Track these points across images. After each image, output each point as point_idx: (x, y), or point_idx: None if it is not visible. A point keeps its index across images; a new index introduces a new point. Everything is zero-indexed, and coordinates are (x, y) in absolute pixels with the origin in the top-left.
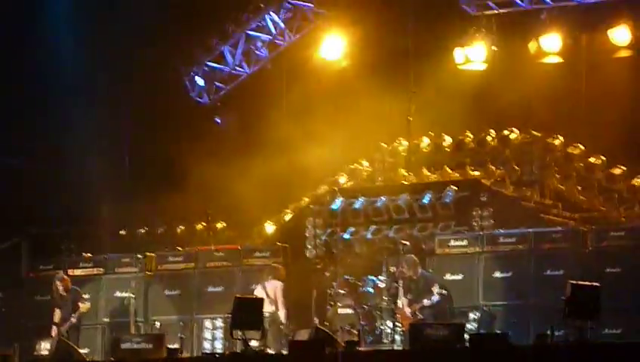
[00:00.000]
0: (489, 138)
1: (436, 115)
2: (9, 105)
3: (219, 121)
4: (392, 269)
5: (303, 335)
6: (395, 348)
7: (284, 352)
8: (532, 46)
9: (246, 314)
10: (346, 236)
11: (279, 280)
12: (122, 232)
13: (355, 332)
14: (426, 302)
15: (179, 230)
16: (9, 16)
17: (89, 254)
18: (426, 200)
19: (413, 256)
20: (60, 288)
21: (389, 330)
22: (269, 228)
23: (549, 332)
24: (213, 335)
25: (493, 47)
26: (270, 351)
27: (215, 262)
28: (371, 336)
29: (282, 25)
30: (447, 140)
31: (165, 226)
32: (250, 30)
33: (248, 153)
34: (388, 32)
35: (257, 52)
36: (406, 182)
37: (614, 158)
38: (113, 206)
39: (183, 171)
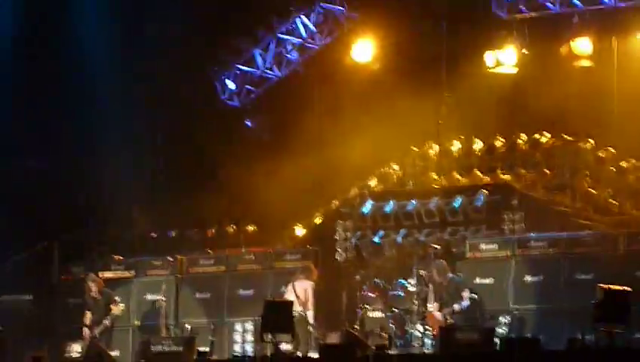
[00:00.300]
0: (520, 142)
1: (467, 118)
2: (43, 106)
3: (250, 124)
4: (423, 273)
5: (334, 338)
6: (426, 351)
7: (314, 354)
8: (563, 49)
9: (276, 317)
10: (377, 239)
11: (311, 281)
12: (153, 235)
13: (385, 335)
14: (456, 307)
15: (210, 233)
16: (41, 17)
17: (120, 257)
18: (456, 203)
19: (443, 261)
20: (93, 290)
21: (419, 334)
22: (300, 231)
23: (579, 336)
24: (243, 338)
25: (525, 51)
26: (300, 354)
27: (246, 265)
28: (401, 340)
29: (313, 28)
30: (478, 144)
31: (196, 229)
32: (281, 33)
33: (279, 156)
34: (419, 35)
35: (288, 55)
36: (437, 186)
37: None
38: (144, 209)
39: (214, 174)
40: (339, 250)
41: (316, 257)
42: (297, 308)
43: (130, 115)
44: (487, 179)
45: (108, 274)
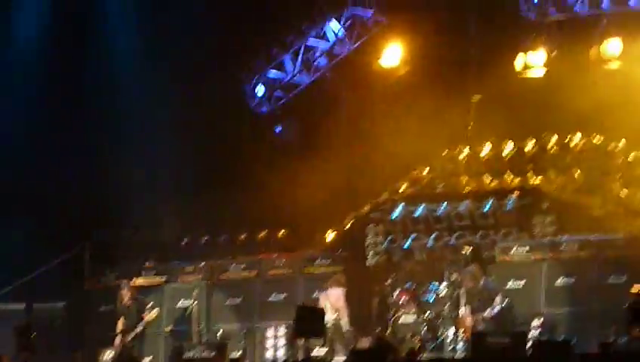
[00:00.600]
0: (550, 144)
1: (497, 121)
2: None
3: (279, 129)
4: (454, 277)
5: (364, 343)
6: (457, 356)
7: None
8: (592, 52)
9: (308, 322)
10: (407, 244)
11: (342, 287)
12: (184, 241)
13: (417, 340)
14: (488, 312)
15: (241, 238)
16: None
17: (152, 263)
18: (487, 207)
19: (474, 266)
20: (126, 297)
21: (450, 338)
22: (330, 235)
23: (612, 339)
24: (275, 343)
25: (554, 53)
26: (336, 359)
27: (277, 270)
28: (433, 345)
29: (342, 33)
30: (508, 147)
31: (227, 234)
32: (310, 39)
33: (308, 161)
34: (448, 39)
35: (317, 60)
36: (467, 189)
37: None
38: (175, 215)
39: (244, 180)
40: (369, 254)
41: (347, 262)
42: (332, 316)
43: (161, 120)
44: (517, 182)
45: (139, 281)
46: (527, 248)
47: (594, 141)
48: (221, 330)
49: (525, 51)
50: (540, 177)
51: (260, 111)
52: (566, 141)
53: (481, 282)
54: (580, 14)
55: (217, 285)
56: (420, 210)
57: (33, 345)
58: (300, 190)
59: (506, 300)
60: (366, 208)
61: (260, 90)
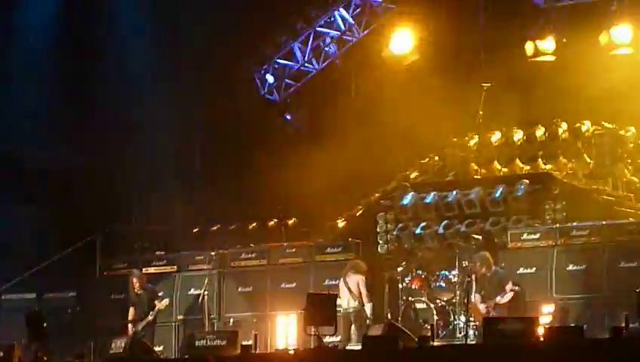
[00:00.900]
0: (560, 130)
1: (507, 108)
2: (82, 104)
3: (289, 117)
4: (465, 264)
5: (377, 330)
6: (469, 342)
7: (358, 347)
8: (603, 38)
9: (319, 309)
10: (418, 231)
11: (361, 275)
12: (195, 230)
13: (428, 327)
14: (499, 299)
15: (251, 227)
16: (82, 15)
17: (162, 252)
18: (498, 194)
19: (486, 253)
20: (137, 286)
21: (462, 325)
22: (341, 223)
23: (623, 324)
24: (286, 331)
25: (564, 39)
26: (351, 347)
27: (287, 259)
28: (444, 331)
29: (351, 20)
30: (519, 134)
31: (238, 223)
32: (319, 26)
33: (319, 149)
34: (457, 25)
35: (326, 48)
36: (477, 176)
37: None
38: (186, 203)
39: (254, 168)
40: (380, 242)
41: (358, 250)
42: (353, 304)
43: (170, 109)
44: (527, 168)
45: (150, 270)
46: (538, 234)
47: (604, 127)
48: (232, 319)
49: (535, 38)
50: (550, 164)
51: (271, 99)
52: (576, 127)
53: (492, 268)
54: (589, 0)
55: (228, 274)
56: (430, 198)
57: (45, 334)
58: (310, 178)
59: (517, 287)
60: (376, 195)
61: (270, 78)
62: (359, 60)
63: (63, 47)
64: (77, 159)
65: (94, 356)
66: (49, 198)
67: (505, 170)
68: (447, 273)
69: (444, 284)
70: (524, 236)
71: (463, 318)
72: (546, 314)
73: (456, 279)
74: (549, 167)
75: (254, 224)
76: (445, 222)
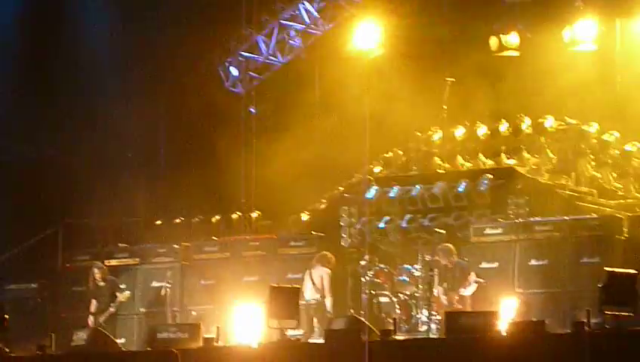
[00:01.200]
0: (524, 126)
1: (471, 103)
2: (47, 97)
3: (253, 110)
4: (428, 258)
5: (339, 323)
6: (431, 336)
7: (321, 341)
8: (566, 33)
9: (281, 303)
10: (381, 225)
11: (327, 268)
12: (158, 222)
13: (391, 320)
14: (462, 291)
15: (214, 220)
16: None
17: (125, 244)
18: (461, 188)
19: (449, 244)
20: (98, 278)
21: (424, 319)
22: (305, 217)
23: (585, 319)
24: (249, 324)
25: (528, 35)
26: (313, 340)
27: (250, 252)
28: (407, 325)
29: (316, 14)
30: (482, 128)
31: (201, 216)
32: (284, 20)
33: (282, 142)
34: (422, 20)
35: (291, 41)
36: (441, 171)
37: None
38: (149, 196)
39: (218, 161)
40: (344, 235)
41: (321, 243)
42: (315, 296)
43: (133, 101)
44: (491, 163)
45: (113, 262)
46: (501, 229)
47: (568, 122)
48: (195, 311)
49: (500, 32)
50: (513, 159)
51: (235, 92)
52: (540, 122)
53: (455, 259)
54: None
55: (191, 266)
56: (394, 192)
57: (6, 326)
58: (273, 171)
59: (481, 280)
60: (340, 189)
61: (234, 70)
62: (324, 53)
63: (21, 37)
64: (39, 151)
65: (56, 347)
66: (10, 190)
67: (468, 164)
68: (410, 267)
69: (407, 278)
70: (487, 231)
71: (425, 312)
72: (508, 309)
73: (419, 273)
74: (512, 162)
75: (217, 217)
76: (408, 216)
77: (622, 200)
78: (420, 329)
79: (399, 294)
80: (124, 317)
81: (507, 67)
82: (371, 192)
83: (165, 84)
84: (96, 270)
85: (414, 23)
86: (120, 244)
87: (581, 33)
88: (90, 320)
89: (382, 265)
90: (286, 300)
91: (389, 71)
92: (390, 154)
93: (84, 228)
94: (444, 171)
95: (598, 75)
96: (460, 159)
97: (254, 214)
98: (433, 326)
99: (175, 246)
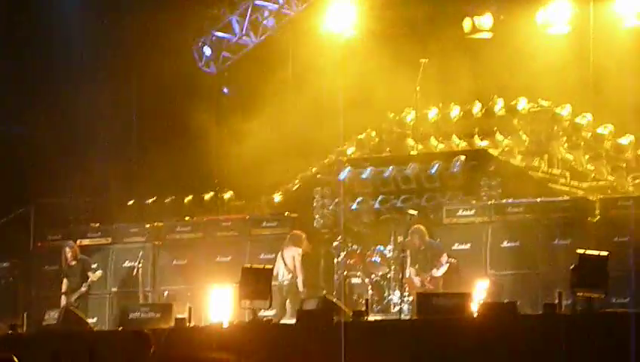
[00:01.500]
0: (497, 107)
1: (444, 84)
2: (16, 74)
3: (226, 90)
4: (400, 239)
5: (311, 304)
6: (403, 317)
7: (293, 321)
8: (540, 15)
9: (254, 283)
10: (354, 206)
11: (299, 247)
12: (131, 202)
13: (363, 301)
14: (434, 272)
15: (187, 200)
16: None
17: (97, 224)
18: (433, 170)
19: (420, 226)
20: (69, 257)
21: (396, 300)
22: (277, 197)
23: (556, 301)
24: (221, 304)
25: (502, 17)
26: (284, 321)
27: (223, 232)
28: (379, 306)
29: None
30: (455, 110)
31: (173, 196)
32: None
33: (256, 123)
34: (396, 0)
35: (264, 22)
36: (414, 152)
37: (622, 128)
38: (121, 176)
39: (190, 141)
40: (316, 216)
41: (294, 224)
42: (287, 276)
43: (105, 80)
44: (464, 145)
45: (85, 241)
46: (474, 211)
47: (540, 104)
48: (167, 291)
49: (473, 14)
50: (486, 140)
51: (208, 72)
52: (513, 104)
53: (427, 240)
54: None
55: (163, 246)
56: (366, 173)
57: None
58: (246, 151)
59: (453, 260)
60: (313, 170)
61: (207, 50)
62: (297, 34)
63: None
64: (10, 129)
65: (27, 327)
66: None
67: (441, 146)
68: (382, 248)
69: (379, 259)
70: (460, 212)
71: (397, 293)
72: (480, 290)
73: (391, 254)
74: (485, 143)
75: (190, 197)
76: (381, 197)
77: (594, 183)
78: (392, 310)
79: (371, 275)
80: (96, 297)
81: (480, 49)
82: (344, 173)
83: (138, 62)
84: (67, 249)
85: (388, 3)
86: (92, 224)
87: (554, 15)
88: (62, 299)
89: (354, 246)
90: (258, 281)
91: (363, 51)
92: (363, 135)
93: (56, 207)
94: (417, 153)
95: (572, 57)
96: (433, 140)
97: (227, 194)
98: (405, 307)
99: (147, 226)
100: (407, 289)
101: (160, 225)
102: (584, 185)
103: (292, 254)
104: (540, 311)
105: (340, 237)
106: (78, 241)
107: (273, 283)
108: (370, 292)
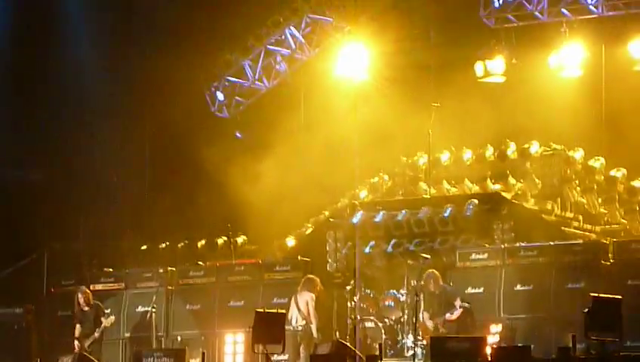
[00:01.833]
0: (509, 151)
1: (457, 128)
2: (32, 119)
3: (239, 135)
4: (413, 283)
5: (325, 349)
6: (417, 361)
7: None
8: (552, 59)
9: (267, 328)
10: (367, 250)
11: (313, 293)
12: (144, 247)
13: (377, 346)
14: (447, 316)
15: (200, 244)
16: (32, 32)
17: (110, 269)
18: (446, 213)
19: (435, 270)
20: (82, 302)
21: (410, 344)
22: (290, 241)
23: (570, 345)
24: (234, 349)
25: (514, 60)
26: None
27: (236, 277)
28: (392, 350)
29: (302, 39)
30: (468, 153)
31: (186, 241)
32: (270, 45)
33: (268, 167)
34: (408, 45)
35: (277, 66)
36: (427, 196)
37: (635, 171)
38: (134, 221)
39: (204, 185)
40: (329, 260)
41: (307, 268)
42: (300, 322)
43: (119, 125)
44: (476, 188)
45: (98, 287)
46: (487, 254)
47: (553, 148)
48: (180, 336)
49: (485, 58)
50: (499, 184)
51: (221, 117)
52: (525, 147)
53: (440, 284)
54: (539, 21)
55: (176, 291)
56: (379, 216)
57: None
58: (259, 196)
59: (467, 304)
60: (326, 214)
61: (220, 95)
62: (309, 78)
63: (5, 57)
64: (24, 174)
65: None
66: None
67: (454, 189)
68: (395, 292)
69: (392, 303)
70: (473, 256)
71: (411, 337)
72: (493, 334)
73: (404, 298)
74: (497, 187)
75: (203, 242)
76: (394, 241)
77: (607, 226)
78: (406, 354)
79: (385, 319)
80: (110, 342)
81: (493, 93)
82: (357, 217)
83: (150, 107)
84: (80, 294)
85: (400, 49)
86: (105, 269)
87: (567, 58)
88: (76, 345)
89: (367, 290)
90: (272, 325)
91: (375, 96)
92: (376, 178)
93: (69, 252)
94: (429, 196)
95: (584, 100)
96: (445, 184)
97: (240, 239)
98: (419, 351)
99: (160, 270)
100: (420, 333)
101: (173, 270)
102: (597, 228)
103: (306, 299)
104: (554, 355)
105: (352, 282)
106: (91, 286)
107: (287, 327)
108: (383, 336)
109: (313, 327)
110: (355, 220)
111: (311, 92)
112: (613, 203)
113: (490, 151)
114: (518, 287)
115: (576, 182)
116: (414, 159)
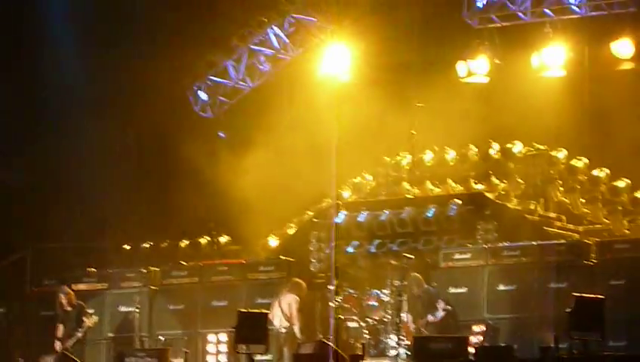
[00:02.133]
0: (492, 151)
1: (440, 128)
2: (13, 120)
3: (223, 135)
4: (396, 283)
5: (308, 348)
6: (400, 361)
7: None
8: (535, 59)
9: (250, 328)
10: (350, 250)
11: (296, 295)
12: (126, 247)
13: (359, 345)
14: (430, 318)
15: (183, 244)
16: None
17: (93, 269)
18: (430, 213)
19: (417, 274)
20: (64, 302)
21: (393, 344)
22: (273, 242)
23: (553, 345)
24: (217, 349)
25: (497, 61)
26: None
27: (219, 277)
28: (375, 350)
29: (286, 39)
30: (451, 154)
31: (169, 241)
32: (254, 45)
33: (251, 167)
34: (392, 45)
35: (260, 66)
36: (410, 196)
37: (618, 171)
38: (117, 220)
39: (187, 185)
40: (313, 260)
41: (290, 268)
42: (284, 324)
43: (104, 126)
44: (460, 188)
45: (81, 286)
46: (470, 254)
47: (536, 148)
48: (163, 336)
49: (468, 58)
50: (482, 184)
51: (204, 116)
52: (508, 148)
53: (423, 286)
54: (522, 21)
55: (159, 291)
56: (362, 217)
57: None
58: (242, 196)
59: (449, 307)
60: (309, 214)
61: (203, 95)
62: (293, 78)
63: None
64: (6, 175)
65: None
66: None
67: (437, 190)
68: (378, 292)
69: (375, 303)
70: (456, 256)
71: (394, 337)
72: (476, 334)
73: (387, 298)
74: (481, 187)
75: (186, 241)
76: (377, 241)
77: (590, 226)
78: (389, 354)
79: (368, 319)
80: (92, 342)
81: (476, 93)
82: (340, 217)
83: (133, 107)
84: (63, 294)
85: (383, 49)
86: (88, 269)
87: (550, 59)
88: (58, 345)
89: (351, 290)
90: (255, 325)
91: (359, 96)
92: (359, 179)
93: (52, 252)
94: (413, 196)
95: (568, 100)
96: (428, 184)
97: (223, 239)
98: (402, 351)
99: (143, 270)
100: (403, 333)
101: (156, 270)
102: (580, 228)
103: (289, 301)
104: (537, 355)
105: (335, 281)
106: (74, 286)
107: (269, 328)
108: (366, 336)
109: (296, 329)
110: (338, 220)
111: (294, 92)
112: (596, 203)
113: (473, 152)
114: (502, 287)
115: (560, 182)
116: (397, 159)
